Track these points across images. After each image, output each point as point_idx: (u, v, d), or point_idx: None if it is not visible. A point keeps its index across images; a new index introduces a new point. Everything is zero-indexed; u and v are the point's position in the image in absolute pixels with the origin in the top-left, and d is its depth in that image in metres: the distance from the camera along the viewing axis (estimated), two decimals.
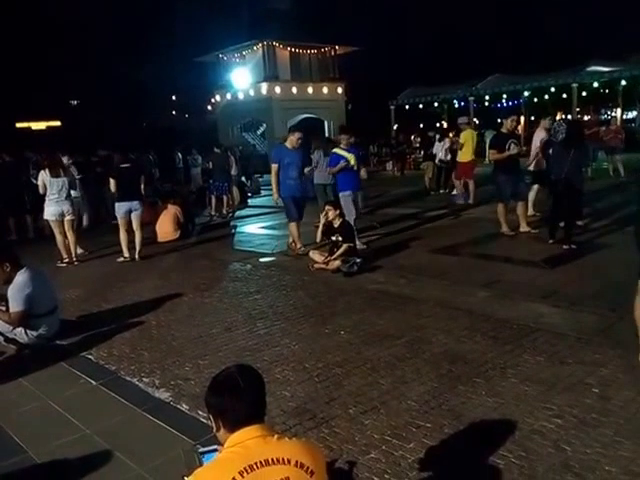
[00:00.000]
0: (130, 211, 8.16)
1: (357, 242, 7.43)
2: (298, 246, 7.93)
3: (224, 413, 1.76)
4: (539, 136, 9.06)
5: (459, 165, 12.37)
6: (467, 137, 12.05)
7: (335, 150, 8.09)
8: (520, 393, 3.42)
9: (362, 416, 3.28)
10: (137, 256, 8.26)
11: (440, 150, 14.13)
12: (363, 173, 8.10)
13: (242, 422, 1.74)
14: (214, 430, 1.83)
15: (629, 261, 6.09)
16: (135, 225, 8.23)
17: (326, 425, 3.21)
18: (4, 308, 4.79)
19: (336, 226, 6.88)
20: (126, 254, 8.25)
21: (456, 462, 2.81)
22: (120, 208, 8.17)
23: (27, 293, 4.68)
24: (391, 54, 39.03)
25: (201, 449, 1.99)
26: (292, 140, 7.84)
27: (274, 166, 7.78)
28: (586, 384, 3.48)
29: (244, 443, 1.69)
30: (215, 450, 1.92)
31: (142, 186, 8.33)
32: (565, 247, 7.06)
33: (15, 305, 4.67)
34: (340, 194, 7.82)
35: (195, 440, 3.04)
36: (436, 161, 14.40)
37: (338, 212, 6.92)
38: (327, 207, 7.06)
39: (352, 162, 7.76)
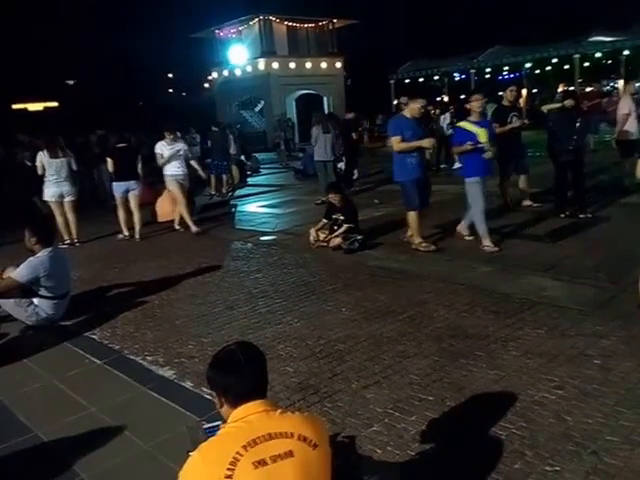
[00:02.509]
0: (127, 191, 8.24)
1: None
2: (417, 241, 6.40)
3: (226, 389, 1.78)
4: (626, 103, 8.77)
5: None
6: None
7: (461, 124, 6.30)
8: (521, 365, 3.45)
9: (364, 390, 3.31)
10: (137, 235, 8.34)
11: (442, 124, 14.04)
12: (488, 152, 5.99)
13: (244, 397, 1.76)
14: (217, 407, 1.85)
15: (629, 234, 6.11)
16: (133, 205, 8.31)
17: (329, 400, 3.24)
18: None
19: (338, 205, 6.85)
20: (125, 232, 8.41)
21: (458, 434, 2.84)
22: (117, 188, 8.27)
23: (37, 275, 4.70)
24: (391, 27, 38.47)
25: (205, 425, 2.01)
26: (414, 109, 6.32)
27: (395, 139, 6.24)
28: (587, 355, 3.50)
29: (247, 418, 1.71)
30: (219, 426, 1.94)
31: (139, 166, 8.33)
32: (582, 216, 7.13)
33: (18, 274, 4.70)
34: (466, 180, 6.16)
35: (200, 417, 3.07)
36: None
37: (339, 197, 6.87)
38: (329, 195, 6.99)
39: (483, 140, 5.95)
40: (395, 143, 6.19)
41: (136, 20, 38.30)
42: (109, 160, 8.27)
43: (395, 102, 13.10)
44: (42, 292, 4.78)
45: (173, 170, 8.37)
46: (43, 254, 4.79)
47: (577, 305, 4.33)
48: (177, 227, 8.79)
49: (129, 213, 8.37)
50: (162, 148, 8.34)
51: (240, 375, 1.77)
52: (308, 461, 1.67)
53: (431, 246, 6.35)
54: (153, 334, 4.53)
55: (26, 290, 4.77)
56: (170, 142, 8.38)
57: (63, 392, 3.63)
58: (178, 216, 8.76)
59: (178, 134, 9.13)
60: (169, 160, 8.30)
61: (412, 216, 6.37)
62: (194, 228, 8.42)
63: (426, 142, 6.25)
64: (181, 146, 8.50)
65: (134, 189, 8.25)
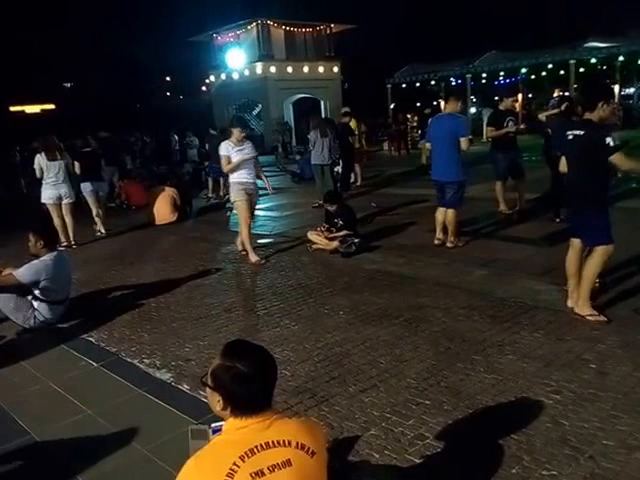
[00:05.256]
0: (97, 191, 8.95)
1: None
2: (455, 239, 6.59)
3: (235, 399, 1.69)
4: None
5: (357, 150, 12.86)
6: (355, 126, 12.66)
7: None
8: (518, 370, 3.46)
9: (362, 394, 3.31)
10: (100, 227, 9.15)
11: None
12: None
13: (250, 413, 1.69)
14: (217, 407, 1.74)
15: (625, 238, 6.12)
16: (99, 203, 9.12)
17: (326, 403, 3.24)
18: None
19: (333, 210, 6.86)
20: (102, 229, 9.13)
21: (455, 438, 2.84)
22: (86, 187, 8.85)
23: (38, 278, 4.71)
24: (387, 32, 38.59)
25: (213, 424, 1.92)
26: (455, 107, 6.38)
27: (469, 139, 6.28)
28: (583, 360, 3.51)
29: (245, 428, 1.67)
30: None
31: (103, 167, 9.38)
32: None
33: (20, 274, 4.70)
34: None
35: (196, 420, 3.07)
36: None
37: (337, 206, 6.89)
38: (327, 205, 7.01)
39: None
40: (468, 143, 6.23)
41: (134, 24, 38.39)
42: (76, 163, 8.57)
43: (343, 111, 13.11)
44: (41, 295, 4.78)
45: (242, 178, 6.51)
46: (48, 258, 4.80)
47: (573, 309, 4.34)
48: (239, 248, 7.02)
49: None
50: (229, 150, 6.45)
51: (255, 391, 1.68)
52: (306, 469, 1.66)
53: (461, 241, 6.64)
54: (150, 337, 4.52)
55: (25, 290, 4.77)
56: (237, 143, 6.47)
57: (60, 394, 3.62)
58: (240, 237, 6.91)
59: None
60: (238, 166, 6.48)
61: (455, 215, 6.47)
62: (253, 257, 6.57)
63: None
64: (250, 148, 6.62)
65: (102, 189, 9.19)
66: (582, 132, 4.04)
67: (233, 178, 6.54)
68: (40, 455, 2.99)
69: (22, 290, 4.77)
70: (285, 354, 3.95)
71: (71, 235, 8.27)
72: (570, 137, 4.13)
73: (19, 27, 36.08)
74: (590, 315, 4.10)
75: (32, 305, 4.78)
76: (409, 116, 22.49)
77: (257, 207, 10.93)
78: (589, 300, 4.16)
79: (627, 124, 16.08)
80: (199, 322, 4.75)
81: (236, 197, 6.53)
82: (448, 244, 6.55)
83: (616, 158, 3.92)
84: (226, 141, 6.54)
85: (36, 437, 3.11)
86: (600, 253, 4.09)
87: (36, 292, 4.78)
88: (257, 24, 27.53)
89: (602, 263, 4.11)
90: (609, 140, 3.90)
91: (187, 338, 4.40)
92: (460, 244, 6.57)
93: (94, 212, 8.98)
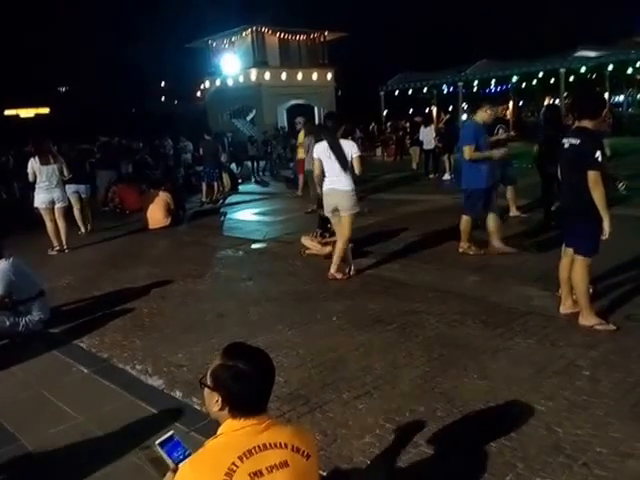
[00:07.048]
0: (77, 192, 9.19)
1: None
2: (466, 245, 6.36)
3: (235, 398, 1.69)
4: None
5: (299, 161, 12.10)
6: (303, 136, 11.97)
7: None
8: (511, 376, 3.45)
9: (356, 401, 3.29)
10: (88, 229, 9.48)
11: (425, 136, 14.29)
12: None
13: (248, 413, 1.70)
14: (215, 408, 1.72)
15: (616, 245, 6.16)
16: (82, 204, 9.42)
17: (320, 410, 3.22)
18: None
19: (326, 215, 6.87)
20: (82, 229, 9.38)
21: (449, 445, 2.84)
22: (69, 189, 8.95)
23: (10, 280, 4.65)
24: (381, 40, 38.84)
25: (158, 441, 1.85)
26: (485, 115, 6.16)
27: (470, 147, 5.98)
28: (576, 366, 3.52)
29: (242, 429, 1.68)
30: (172, 437, 1.83)
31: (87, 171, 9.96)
32: None
33: None
34: None
35: (189, 427, 3.04)
36: (423, 147, 14.59)
37: None
38: (321, 211, 7.00)
39: None
40: (469, 151, 5.99)
41: (130, 29, 38.36)
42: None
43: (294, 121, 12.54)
44: (24, 295, 4.73)
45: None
46: (4, 260, 4.73)
47: (566, 315, 4.36)
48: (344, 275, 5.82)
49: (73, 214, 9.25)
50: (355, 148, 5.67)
51: (255, 392, 1.71)
52: (302, 471, 1.67)
53: (480, 250, 6.34)
54: (142, 342, 4.48)
55: (10, 302, 4.71)
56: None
57: (51, 401, 3.58)
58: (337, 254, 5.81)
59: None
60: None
61: (467, 221, 6.30)
62: (339, 273, 5.77)
63: (496, 153, 6.20)
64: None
65: (83, 192, 9.33)
66: (578, 141, 3.97)
67: (352, 185, 5.68)
68: (29, 462, 2.95)
69: (12, 302, 4.71)
70: (278, 360, 3.92)
71: (64, 239, 8.21)
72: (566, 145, 4.08)
73: (15, 31, 36.02)
74: (598, 324, 4.03)
75: (21, 312, 4.73)
76: (402, 123, 22.67)
77: (250, 212, 11.07)
78: (592, 309, 4.11)
79: (616, 131, 16.30)
80: (192, 328, 4.72)
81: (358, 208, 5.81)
82: (460, 249, 6.43)
83: (591, 175, 3.85)
84: (347, 139, 5.78)
85: (26, 444, 3.07)
86: (579, 264, 4.08)
87: (17, 295, 4.72)
88: (252, 31, 27.68)
89: (585, 273, 4.07)
90: (598, 154, 3.86)
91: (179, 344, 4.37)
92: (471, 252, 6.33)
93: (75, 213, 9.26)
